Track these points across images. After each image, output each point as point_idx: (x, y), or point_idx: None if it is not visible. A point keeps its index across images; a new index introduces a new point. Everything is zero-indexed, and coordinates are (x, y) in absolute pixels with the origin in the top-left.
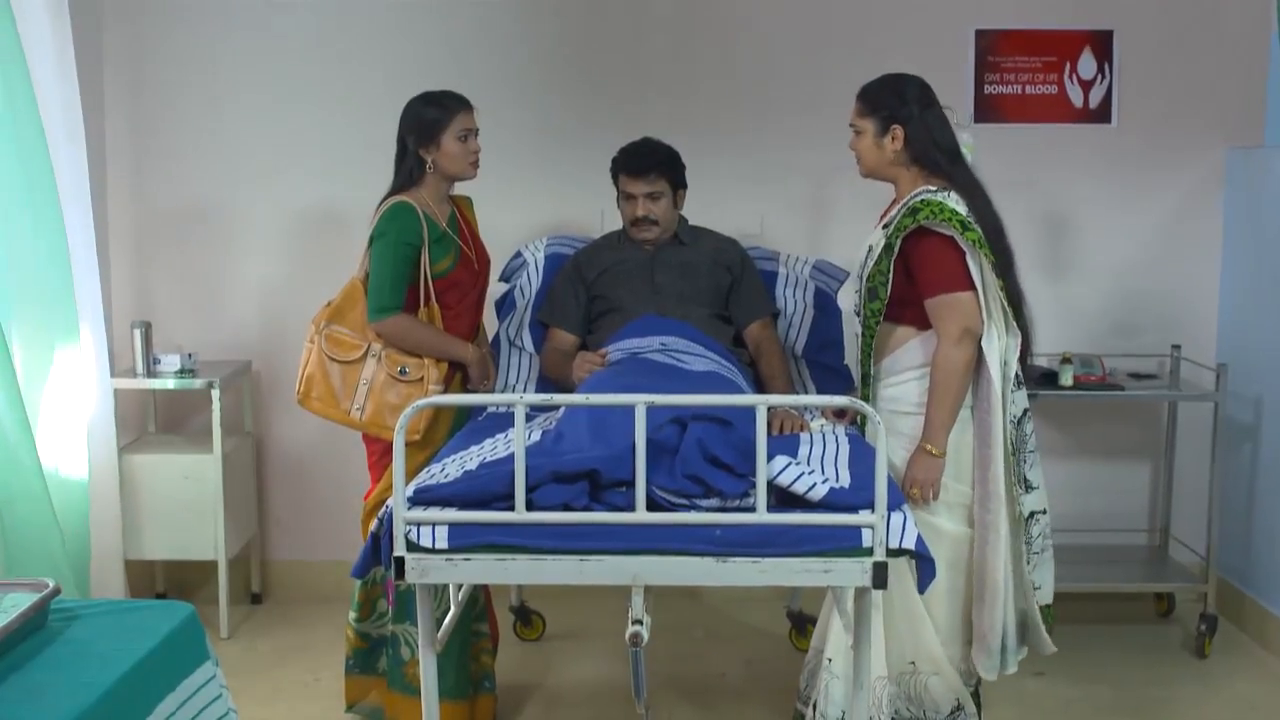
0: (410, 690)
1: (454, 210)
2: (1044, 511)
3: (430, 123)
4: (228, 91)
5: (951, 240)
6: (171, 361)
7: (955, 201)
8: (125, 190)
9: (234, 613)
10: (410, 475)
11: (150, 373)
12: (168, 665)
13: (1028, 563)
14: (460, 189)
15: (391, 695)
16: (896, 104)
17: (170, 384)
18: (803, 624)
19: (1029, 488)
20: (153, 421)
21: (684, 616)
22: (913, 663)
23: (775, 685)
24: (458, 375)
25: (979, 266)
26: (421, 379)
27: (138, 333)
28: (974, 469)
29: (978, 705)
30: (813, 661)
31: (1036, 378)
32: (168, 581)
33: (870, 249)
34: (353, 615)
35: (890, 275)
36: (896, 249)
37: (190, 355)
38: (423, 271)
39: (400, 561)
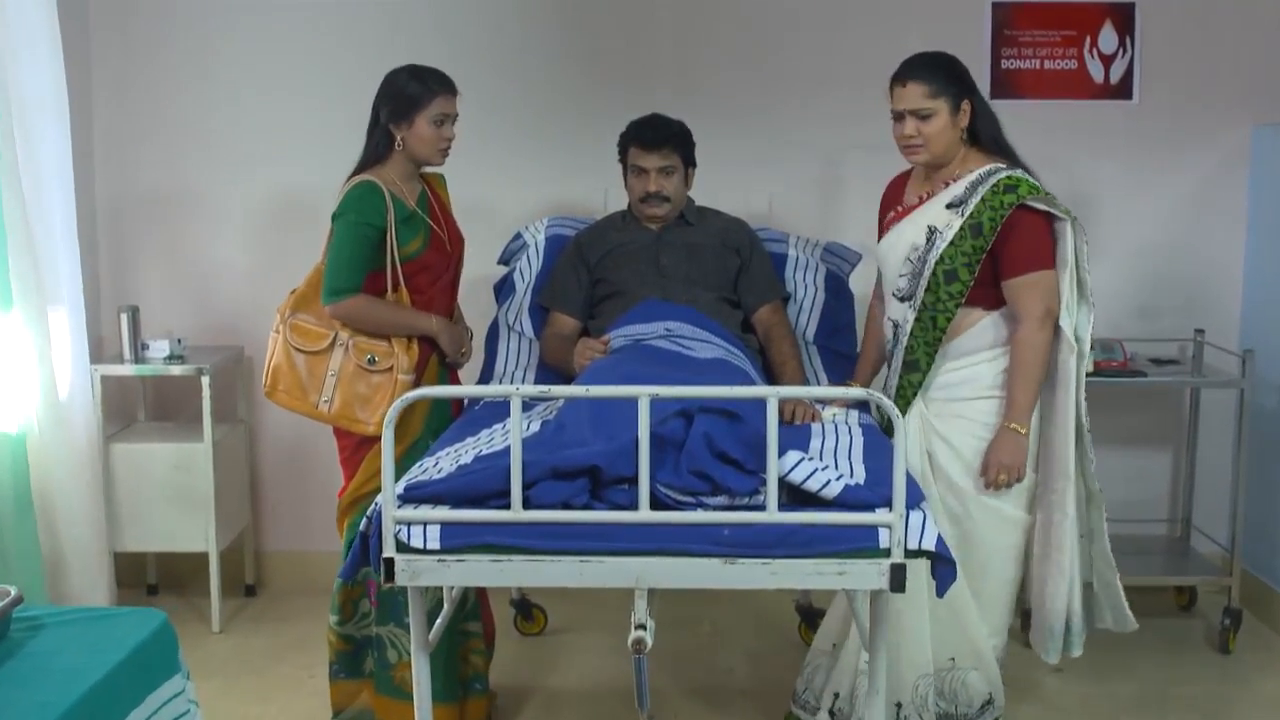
0: (399, 694)
1: (424, 188)
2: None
3: (408, 99)
4: (218, 75)
5: (1044, 218)
6: (160, 347)
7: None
8: (113, 173)
9: (227, 605)
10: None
11: (138, 359)
12: (135, 680)
13: (1107, 540)
14: (451, 170)
15: (380, 699)
16: (961, 79)
17: (159, 370)
18: (812, 618)
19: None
20: (142, 409)
21: (690, 610)
22: (953, 659)
23: (784, 682)
24: (432, 360)
25: (1073, 241)
26: (391, 368)
27: (125, 317)
28: (1039, 450)
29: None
30: (814, 662)
31: None
32: (159, 574)
33: (934, 230)
34: (334, 618)
35: (980, 256)
36: (997, 228)
37: (180, 341)
38: (390, 255)
39: (390, 563)
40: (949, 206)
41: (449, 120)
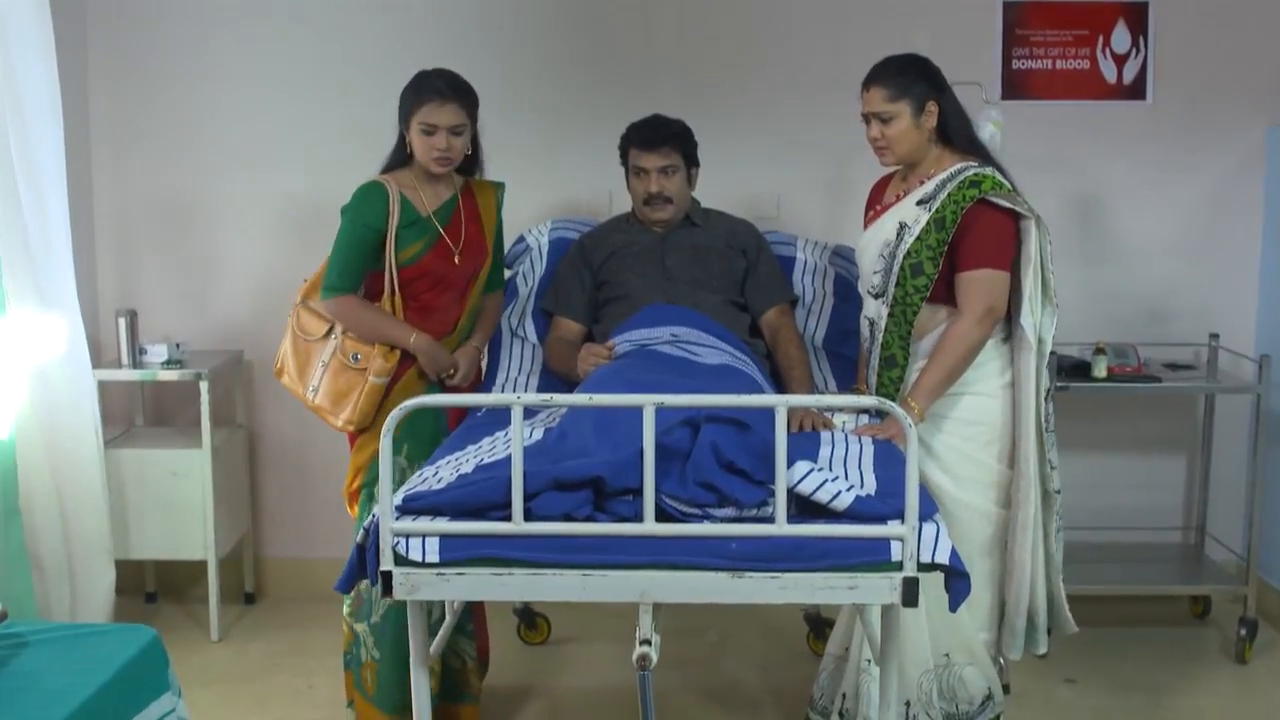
0: (364, 693)
1: (456, 194)
2: (1059, 491)
3: (402, 102)
4: (217, 76)
5: (1008, 215)
6: (159, 351)
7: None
8: (111, 177)
9: (226, 613)
10: (364, 464)
11: (136, 363)
12: (123, 699)
13: (1055, 540)
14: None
15: (357, 695)
16: (926, 81)
17: (157, 374)
18: (821, 627)
19: (1052, 466)
20: (141, 414)
21: (696, 619)
22: (947, 655)
23: (793, 692)
24: (410, 373)
25: (1038, 241)
26: (364, 369)
27: (123, 321)
28: (1010, 447)
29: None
30: (829, 667)
31: (1069, 368)
32: (159, 581)
33: (903, 226)
34: (347, 609)
35: (943, 249)
36: (958, 222)
37: (179, 345)
38: (387, 260)
39: (387, 576)
40: (919, 203)
41: (442, 131)
